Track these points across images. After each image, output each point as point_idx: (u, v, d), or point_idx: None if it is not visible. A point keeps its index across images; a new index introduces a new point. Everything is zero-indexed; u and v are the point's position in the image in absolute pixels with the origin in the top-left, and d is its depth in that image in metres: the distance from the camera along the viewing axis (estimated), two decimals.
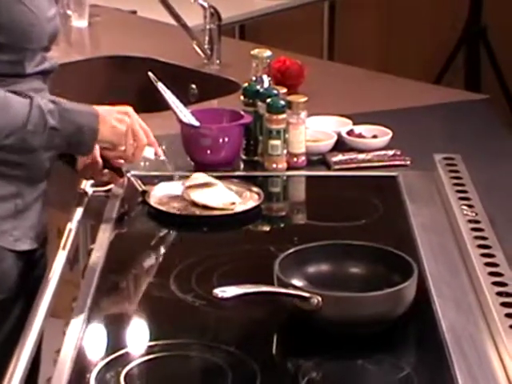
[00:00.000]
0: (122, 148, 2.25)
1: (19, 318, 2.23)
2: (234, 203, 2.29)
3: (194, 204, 2.29)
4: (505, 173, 2.50)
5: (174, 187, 2.36)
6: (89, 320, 1.88)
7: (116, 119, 2.24)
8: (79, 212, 2.29)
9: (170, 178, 2.41)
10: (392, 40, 5.14)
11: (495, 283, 1.92)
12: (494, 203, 2.27)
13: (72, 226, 2.24)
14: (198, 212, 2.28)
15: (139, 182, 2.37)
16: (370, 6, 5.00)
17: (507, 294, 1.88)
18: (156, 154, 2.32)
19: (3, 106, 2.11)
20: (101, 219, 2.27)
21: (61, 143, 2.18)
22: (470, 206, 2.23)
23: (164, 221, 2.28)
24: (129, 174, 2.39)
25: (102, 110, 2.26)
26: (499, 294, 1.89)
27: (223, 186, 2.35)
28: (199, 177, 2.37)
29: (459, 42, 5.03)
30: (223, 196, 2.32)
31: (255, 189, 2.35)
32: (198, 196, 2.30)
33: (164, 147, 2.38)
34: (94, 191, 2.38)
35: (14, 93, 2.16)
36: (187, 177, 2.40)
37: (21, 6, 2.14)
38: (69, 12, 3.40)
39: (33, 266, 2.30)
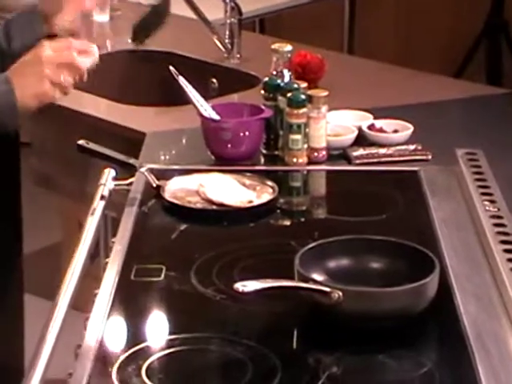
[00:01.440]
0: (57, 95, 2.15)
1: None
2: (251, 201, 2.29)
3: (211, 202, 2.29)
4: None
5: (189, 181, 2.36)
6: (110, 314, 1.88)
7: (33, 80, 2.13)
8: (100, 205, 2.28)
9: (183, 172, 2.41)
10: (412, 34, 5.14)
11: None
12: None
13: (93, 219, 2.23)
14: (214, 207, 2.28)
15: (153, 176, 2.36)
16: (390, 2, 4.99)
17: None
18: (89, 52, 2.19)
19: None
20: (121, 213, 2.27)
21: None
22: (492, 202, 2.22)
23: (181, 215, 2.28)
24: (142, 169, 2.39)
25: (16, 77, 2.14)
26: None
27: (237, 182, 2.35)
28: (215, 178, 2.38)
29: (480, 35, 5.03)
30: (240, 194, 2.31)
31: (269, 182, 2.35)
32: (215, 194, 2.29)
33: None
34: (115, 185, 2.37)
35: None
36: (203, 171, 2.41)
37: None
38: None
39: None
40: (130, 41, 2.49)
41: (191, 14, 3.34)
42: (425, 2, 5.19)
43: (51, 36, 2.29)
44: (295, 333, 1.82)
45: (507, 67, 4.97)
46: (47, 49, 2.13)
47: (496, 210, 2.19)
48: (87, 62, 2.17)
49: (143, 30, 2.46)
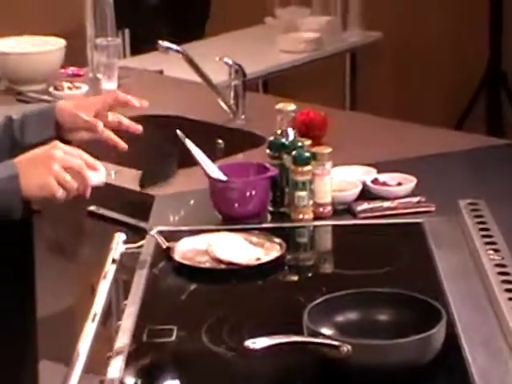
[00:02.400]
0: (60, 192, 2.15)
1: None
2: (259, 259, 2.29)
3: (219, 261, 2.28)
4: None
5: (198, 242, 2.36)
6: (123, 377, 1.87)
7: (42, 171, 2.13)
8: (112, 269, 2.29)
9: (192, 233, 2.41)
10: (412, 87, 5.16)
11: None
12: None
13: (105, 283, 2.23)
14: (223, 266, 2.28)
15: (162, 238, 2.37)
16: (389, 54, 5.01)
17: None
18: (95, 168, 2.20)
19: None
20: (133, 275, 2.27)
21: None
22: (496, 250, 2.22)
23: (191, 275, 2.28)
24: (152, 232, 2.40)
25: (22, 164, 2.15)
26: None
27: (247, 243, 2.35)
28: (223, 237, 2.38)
29: (480, 86, 5.04)
30: (248, 252, 2.32)
31: (276, 239, 2.35)
32: (223, 253, 2.30)
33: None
34: (126, 248, 2.38)
35: None
36: (211, 231, 2.42)
37: None
38: (99, 75, 3.43)
39: None
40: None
41: (196, 78, 3.36)
42: (423, 55, 5.21)
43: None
44: None
45: (508, 117, 4.98)
46: (59, 149, 2.15)
47: (500, 258, 2.19)
48: (93, 178, 2.18)
49: (150, 179, 2.48)
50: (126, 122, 2.42)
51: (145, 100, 2.42)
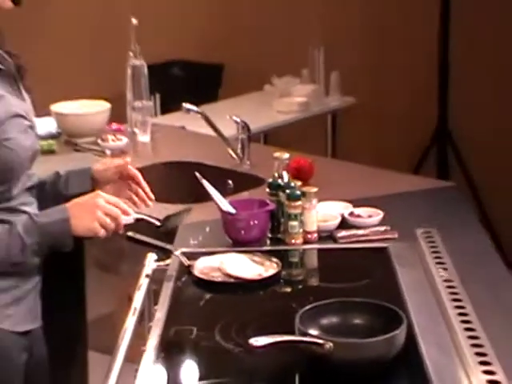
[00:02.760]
0: (102, 232, 2.15)
1: None
2: (260, 274, 2.28)
3: (229, 276, 2.28)
4: (471, 241, 2.50)
5: (212, 260, 2.35)
6: (154, 365, 1.88)
7: (87, 216, 2.12)
8: (145, 282, 2.29)
9: (208, 254, 2.40)
10: (380, 141, 5.16)
11: (466, 329, 1.93)
12: (463, 265, 2.26)
13: (140, 293, 2.23)
14: (232, 280, 2.27)
15: (185, 258, 2.36)
16: (361, 115, 5.01)
17: (475, 338, 1.89)
18: (128, 214, 2.20)
19: None
20: (161, 287, 2.27)
21: (43, 251, 2.13)
22: (444, 269, 2.24)
23: (207, 287, 2.27)
24: (177, 253, 2.39)
25: (73, 208, 2.14)
26: (470, 337, 1.90)
27: (251, 261, 2.34)
28: (232, 257, 2.37)
29: (431, 142, 5.06)
30: (251, 269, 2.31)
31: (274, 259, 2.34)
32: (232, 270, 2.29)
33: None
34: (156, 265, 2.38)
35: (8, 210, 2.13)
36: (223, 252, 2.41)
37: (2, 149, 2.08)
38: (136, 130, 3.44)
39: (32, 343, 2.26)
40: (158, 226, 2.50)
41: (212, 132, 3.36)
42: (388, 116, 5.22)
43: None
44: (296, 377, 1.81)
45: (453, 166, 4.99)
46: (102, 198, 2.14)
47: (448, 275, 2.21)
48: (126, 220, 2.17)
49: (169, 224, 2.47)
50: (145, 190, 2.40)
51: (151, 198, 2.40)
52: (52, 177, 2.38)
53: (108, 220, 2.13)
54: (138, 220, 2.27)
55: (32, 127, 2.22)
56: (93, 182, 2.36)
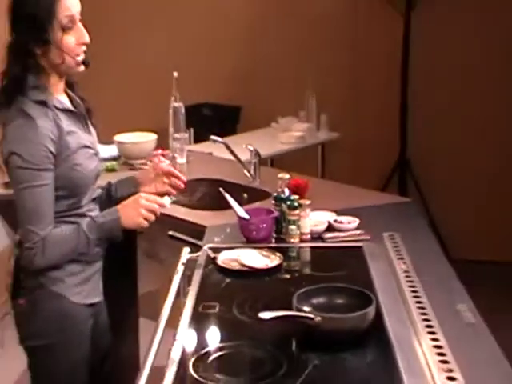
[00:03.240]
0: (145, 223, 2.16)
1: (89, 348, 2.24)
2: (267, 265, 2.28)
3: (244, 265, 2.28)
4: (423, 242, 2.49)
5: (231, 254, 2.35)
6: (187, 329, 1.90)
7: (133, 212, 2.14)
8: (181, 268, 2.29)
9: (228, 249, 2.39)
10: (358, 166, 5.17)
11: (419, 307, 1.95)
12: (417, 260, 2.27)
13: (177, 276, 2.24)
14: (246, 268, 2.27)
15: (211, 251, 2.36)
16: (343, 147, 5.02)
17: (425, 314, 1.90)
18: (164, 205, 2.22)
19: (60, 244, 2.08)
20: (193, 272, 2.27)
21: (101, 243, 2.16)
22: (404, 263, 2.24)
23: (227, 273, 2.27)
24: (205, 247, 2.39)
25: (122, 209, 2.15)
26: (422, 314, 1.91)
27: (260, 255, 2.34)
28: (246, 251, 2.37)
29: (394, 167, 5.07)
30: (260, 260, 2.31)
31: (277, 253, 2.34)
32: (246, 261, 2.29)
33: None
34: (189, 256, 2.38)
35: (79, 215, 2.15)
36: (239, 247, 2.40)
37: (75, 173, 2.10)
38: (175, 154, 3.45)
39: (97, 313, 2.29)
40: None
41: (231, 157, 3.37)
42: (362, 148, 5.22)
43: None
44: (293, 342, 1.82)
45: (410, 186, 4.99)
46: (143, 198, 2.16)
47: (406, 267, 2.21)
48: (159, 211, 2.18)
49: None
50: (178, 177, 2.39)
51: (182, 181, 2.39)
52: (106, 185, 2.40)
53: (148, 214, 2.15)
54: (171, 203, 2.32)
55: (96, 154, 2.23)
56: (137, 185, 2.37)
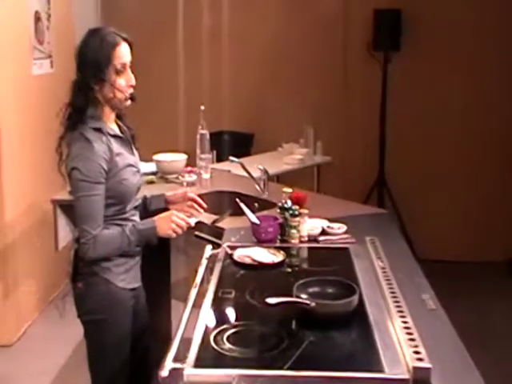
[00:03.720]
0: (174, 235, 2.18)
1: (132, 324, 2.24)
2: (273, 260, 2.27)
3: (255, 260, 2.27)
4: (396, 245, 2.48)
5: (245, 251, 2.33)
6: (209, 310, 1.89)
7: (166, 225, 2.15)
8: (205, 262, 2.28)
9: (242, 247, 2.38)
10: (346, 183, 5.15)
11: (392, 296, 1.93)
12: (392, 259, 2.25)
13: (202, 267, 2.24)
14: (256, 263, 2.27)
15: (228, 249, 2.36)
16: (335, 167, 5.01)
17: (397, 301, 1.88)
18: (190, 224, 2.24)
19: (108, 242, 2.10)
20: (214, 265, 2.27)
21: (140, 244, 2.18)
22: (382, 262, 2.23)
23: (241, 267, 2.26)
24: (224, 245, 2.39)
25: (158, 220, 2.16)
26: (395, 301, 1.90)
27: (267, 252, 2.33)
28: (257, 249, 2.36)
29: (374, 185, 5.05)
30: (268, 257, 2.30)
31: (282, 252, 2.33)
32: (257, 256, 2.29)
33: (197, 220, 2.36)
34: (212, 252, 2.37)
35: (123, 219, 2.16)
36: (251, 246, 2.39)
37: (121, 185, 2.12)
38: (201, 171, 3.45)
39: (137, 295, 2.30)
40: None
41: (246, 174, 3.37)
42: (349, 168, 5.22)
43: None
44: (293, 322, 1.81)
45: (386, 200, 4.97)
46: (175, 216, 2.18)
47: (383, 265, 2.20)
48: (185, 228, 2.21)
49: (217, 222, 2.50)
50: (200, 203, 2.43)
51: (203, 207, 2.42)
52: (143, 197, 2.42)
53: (178, 230, 2.18)
54: (196, 223, 2.32)
55: (138, 171, 2.26)
56: (165, 203, 2.41)
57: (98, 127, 2.10)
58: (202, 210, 2.41)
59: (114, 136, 2.16)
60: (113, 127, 2.19)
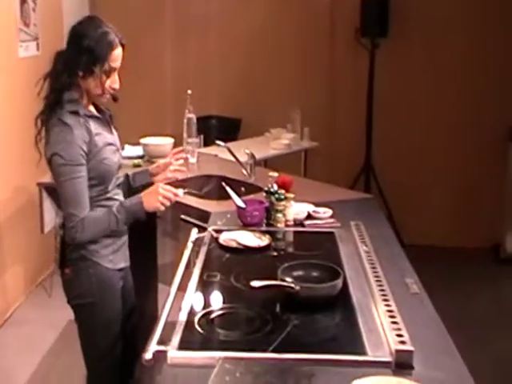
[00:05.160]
0: (162, 208, 2.17)
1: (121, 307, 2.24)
2: (259, 244, 2.27)
3: (240, 244, 2.26)
4: (381, 230, 2.49)
5: (230, 234, 2.33)
6: (195, 293, 1.89)
7: (153, 199, 2.14)
8: (190, 245, 2.28)
9: (228, 230, 2.37)
10: (332, 168, 5.15)
11: (376, 280, 1.93)
12: (376, 244, 2.26)
13: (187, 251, 2.23)
14: (242, 247, 2.26)
15: (214, 232, 2.35)
16: (322, 152, 4.99)
17: (381, 285, 1.89)
18: (178, 195, 2.22)
19: (96, 223, 2.09)
20: (200, 248, 2.26)
21: (128, 222, 2.16)
22: (366, 246, 2.23)
23: (227, 250, 2.25)
24: (209, 229, 2.38)
25: (144, 195, 2.15)
26: (378, 285, 1.90)
27: (252, 235, 2.33)
28: (242, 233, 2.36)
29: (361, 170, 5.05)
30: (253, 240, 2.30)
31: (267, 235, 2.33)
32: (243, 240, 2.28)
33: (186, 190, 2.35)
34: (197, 236, 2.36)
35: (107, 199, 2.15)
36: (237, 230, 2.40)
37: (102, 165, 2.11)
38: (188, 155, 3.43)
39: (126, 275, 2.30)
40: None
41: (233, 159, 3.35)
42: (338, 155, 5.22)
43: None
44: (278, 305, 1.81)
45: (373, 188, 4.97)
46: (161, 188, 2.17)
47: (367, 249, 2.20)
48: (174, 199, 2.19)
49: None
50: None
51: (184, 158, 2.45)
52: (124, 176, 2.42)
53: (166, 202, 2.16)
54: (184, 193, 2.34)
55: (118, 150, 2.25)
56: (150, 176, 2.41)
57: (75, 110, 2.08)
58: (184, 169, 2.41)
59: (92, 116, 2.15)
60: (90, 108, 2.19)
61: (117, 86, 2.15)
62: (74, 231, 2.06)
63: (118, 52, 2.10)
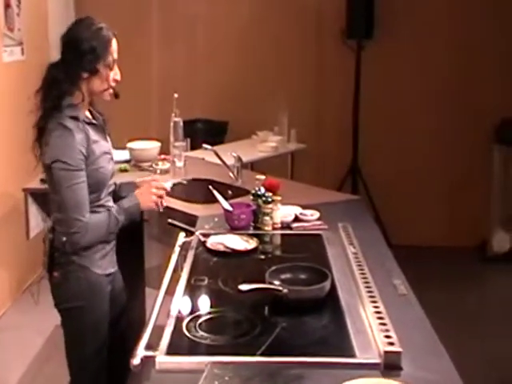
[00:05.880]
0: (155, 206, 2.25)
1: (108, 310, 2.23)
2: (246, 247, 2.27)
3: (228, 248, 2.26)
4: (368, 231, 2.49)
5: (218, 238, 2.32)
6: (182, 297, 1.88)
7: (147, 198, 2.21)
8: (177, 249, 2.28)
9: (215, 234, 2.37)
10: (319, 171, 5.16)
11: (364, 282, 1.94)
12: (364, 245, 2.26)
13: (175, 255, 2.23)
14: (229, 250, 2.26)
15: (201, 236, 2.35)
16: (308, 156, 5.00)
17: (369, 287, 1.89)
18: (167, 189, 2.29)
19: (98, 226, 2.11)
20: (187, 252, 2.26)
21: (127, 222, 2.20)
22: (354, 247, 2.23)
23: (214, 254, 2.25)
24: (197, 233, 2.38)
25: (138, 196, 2.21)
26: (366, 287, 1.90)
27: (240, 239, 2.32)
28: (230, 236, 2.35)
29: (348, 172, 5.06)
30: (241, 244, 2.29)
31: (255, 238, 2.33)
32: (230, 244, 2.28)
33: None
34: (185, 240, 2.36)
35: (99, 206, 2.15)
36: (224, 233, 2.39)
37: (98, 173, 2.12)
38: (175, 159, 3.42)
39: (113, 280, 2.30)
40: None
41: (219, 162, 3.35)
42: (325, 157, 5.23)
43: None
44: (266, 308, 1.81)
45: (361, 190, 4.99)
46: (153, 187, 2.26)
47: (355, 250, 2.20)
48: (164, 196, 2.28)
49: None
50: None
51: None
52: (115, 185, 2.41)
53: (159, 201, 2.26)
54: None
55: (112, 158, 2.26)
56: (135, 189, 2.38)
57: (75, 115, 2.08)
58: (169, 189, 2.38)
59: (90, 123, 2.15)
60: (87, 114, 2.19)
61: (119, 77, 2.16)
62: (79, 236, 2.06)
63: (114, 44, 2.14)
